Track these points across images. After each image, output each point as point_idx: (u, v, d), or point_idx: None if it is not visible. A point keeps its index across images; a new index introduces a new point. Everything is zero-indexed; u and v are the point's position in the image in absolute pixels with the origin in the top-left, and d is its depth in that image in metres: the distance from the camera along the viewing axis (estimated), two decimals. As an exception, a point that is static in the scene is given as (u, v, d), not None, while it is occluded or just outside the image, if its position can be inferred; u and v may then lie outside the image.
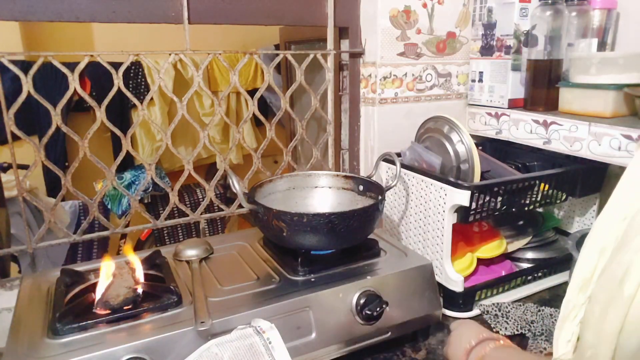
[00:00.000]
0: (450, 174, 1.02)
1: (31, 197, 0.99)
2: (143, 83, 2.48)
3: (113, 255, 0.80)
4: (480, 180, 1.01)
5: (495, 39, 1.15)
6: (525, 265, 1.11)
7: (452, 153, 1.03)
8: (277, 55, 1.13)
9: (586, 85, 1.01)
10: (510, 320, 0.93)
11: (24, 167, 0.98)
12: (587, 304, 0.50)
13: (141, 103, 1.02)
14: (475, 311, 0.98)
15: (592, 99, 1.00)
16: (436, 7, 1.17)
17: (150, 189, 2.24)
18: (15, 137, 0.90)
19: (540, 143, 1.07)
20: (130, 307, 0.71)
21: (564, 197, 1.08)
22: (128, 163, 2.38)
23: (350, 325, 0.79)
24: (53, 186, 2.33)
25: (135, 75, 2.45)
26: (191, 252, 0.91)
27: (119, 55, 0.98)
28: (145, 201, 2.37)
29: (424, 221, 1.01)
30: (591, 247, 0.53)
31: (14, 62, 0.89)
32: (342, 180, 1.03)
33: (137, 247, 2.39)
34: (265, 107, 2.78)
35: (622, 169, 0.93)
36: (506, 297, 1.03)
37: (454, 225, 0.96)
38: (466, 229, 1.06)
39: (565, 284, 1.08)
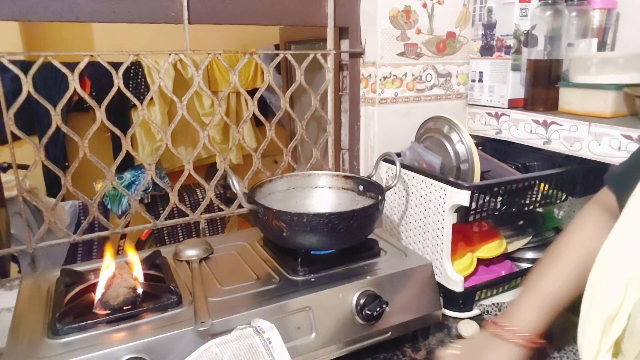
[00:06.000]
0: (450, 174, 1.02)
1: (31, 197, 0.99)
2: (143, 83, 2.48)
3: (113, 255, 0.80)
4: (480, 180, 1.01)
5: (495, 39, 1.15)
6: (525, 265, 1.10)
7: (452, 153, 1.03)
8: (277, 55, 1.13)
9: (586, 85, 1.01)
10: (510, 320, 0.93)
11: (24, 167, 0.98)
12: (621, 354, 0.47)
13: (141, 103, 1.02)
14: (475, 311, 0.98)
15: (592, 99, 1.00)
16: (436, 7, 1.17)
17: (150, 189, 2.24)
18: (15, 137, 0.90)
19: (540, 143, 1.07)
20: (130, 307, 0.71)
21: (564, 197, 1.08)
22: (128, 163, 2.38)
23: (350, 325, 0.79)
24: (53, 186, 2.33)
25: (135, 75, 2.45)
26: (191, 252, 0.91)
27: (119, 55, 0.98)
28: (145, 201, 2.37)
29: (424, 221, 1.01)
30: (612, 278, 0.49)
31: (14, 62, 0.89)
32: (342, 180, 1.03)
33: (137, 247, 2.38)
34: (265, 107, 2.78)
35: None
36: (506, 297, 1.03)
37: (454, 225, 0.96)
38: (466, 229, 1.05)
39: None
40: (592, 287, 0.53)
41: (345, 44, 1.22)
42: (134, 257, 0.81)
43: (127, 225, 1.21)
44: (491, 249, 1.06)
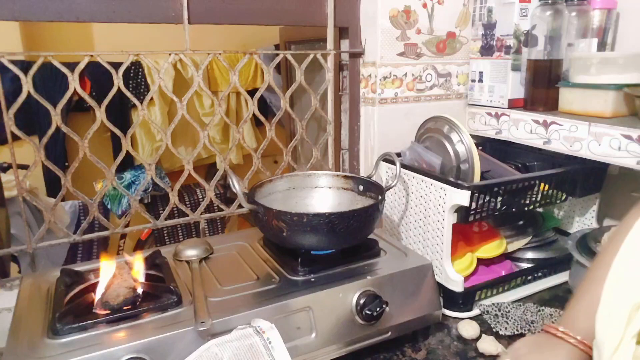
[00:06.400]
0: (450, 174, 1.02)
1: (31, 197, 0.99)
2: (143, 83, 2.48)
3: (113, 255, 0.80)
4: (480, 180, 1.01)
5: (495, 39, 1.15)
6: (525, 265, 1.10)
7: (452, 153, 1.03)
8: (277, 55, 1.13)
9: (586, 85, 1.01)
10: (510, 320, 0.93)
11: (24, 167, 0.98)
12: None
13: (141, 103, 1.02)
14: (475, 311, 0.98)
15: (592, 99, 1.00)
16: (436, 7, 1.17)
17: (150, 189, 2.24)
18: (15, 137, 0.90)
19: (540, 143, 1.07)
20: (130, 307, 0.71)
21: (564, 197, 1.08)
22: (128, 163, 2.38)
23: (350, 325, 0.79)
24: (53, 186, 2.33)
25: (135, 75, 2.45)
26: (191, 252, 0.91)
27: (119, 55, 0.98)
28: (145, 201, 2.37)
29: (424, 221, 1.01)
30: None
31: (14, 62, 0.89)
32: (342, 180, 1.03)
33: (137, 247, 2.39)
34: (265, 107, 2.78)
35: (622, 169, 0.93)
36: (506, 297, 1.03)
37: (454, 225, 0.96)
38: (466, 229, 1.06)
39: (565, 284, 1.08)
40: (617, 275, 0.51)
41: (345, 44, 1.22)
42: (134, 257, 0.81)
43: (127, 225, 1.20)
44: (491, 249, 1.06)
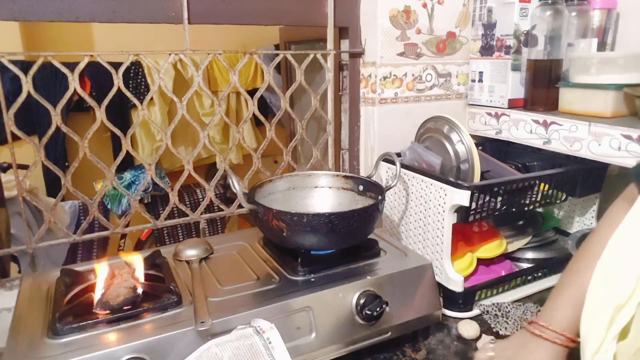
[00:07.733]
0: (450, 174, 1.02)
1: (31, 197, 0.99)
2: (143, 83, 2.48)
3: (113, 255, 0.80)
4: (480, 180, 1.01)
5: (495, 39, 1.15)
6: (525, 265, 1.10)
7: (452, 153, 1.03)
8: (277, 55, 1.13)
9: (586, 85, 1.01)
10: (510, 320, 0.93)
11: (24, 167, 0.98)
12: (625, 342, 0.47)
13: (141, 103, 1.02)
14: (475, 311, 0.98)
15: (592, 99, 1.00)
16: (436, 7, 1.17)
17: (150, 189, 2.24)
18: (15, 137, 0.90)
19: (540, 143, 1.07)
20: (130, 307, 0.71)
21: (564, 197, 1.08)
22: (128, 163, 2.38)
23: (350, 325, 0.79)
24: (53, 186, 2.33)
25: (135, 75, 2.45)
26: (191, 252, 0.91)
27: (119, 55, 0.98)
28: (145, 201, 2.37)
29: (424, 221, 1.01)
30: (623, 269, 0.48)
31: (14, 62, 0.89)
32: (342, 180, 1.03)
33: (137, 247, 2.39)
34: (265, 107, 2.78)
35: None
36: (506, 297, 1.03)
37: (454, 225, 0.96)
38: (466, 229, 1.06)
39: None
40: (602, 276, 0.52)
41: (345, 44, 1.22)
42: (134, 257, 0.81)
43: (127, 225, 1.20)
44: (491, 249, 1.06)
